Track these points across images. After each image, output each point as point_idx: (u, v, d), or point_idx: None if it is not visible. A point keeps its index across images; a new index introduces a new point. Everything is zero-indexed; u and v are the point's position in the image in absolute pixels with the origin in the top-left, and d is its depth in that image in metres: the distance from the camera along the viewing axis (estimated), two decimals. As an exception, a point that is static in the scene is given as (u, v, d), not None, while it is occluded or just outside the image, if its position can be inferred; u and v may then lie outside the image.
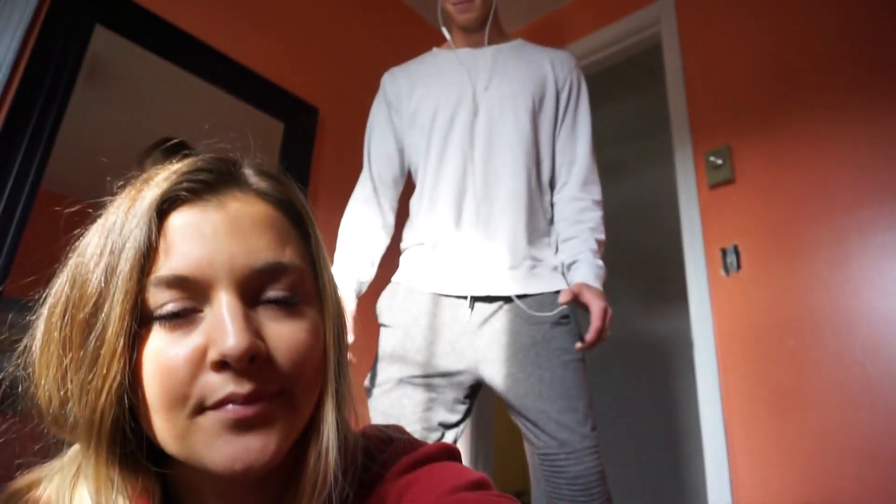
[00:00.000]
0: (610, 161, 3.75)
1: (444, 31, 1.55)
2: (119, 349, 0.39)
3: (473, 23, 1.47)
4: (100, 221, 0.45)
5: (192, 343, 0.40)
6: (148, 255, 0.40)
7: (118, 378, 0.39)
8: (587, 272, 1.29)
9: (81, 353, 0.41)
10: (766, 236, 1.88)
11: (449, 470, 0.47)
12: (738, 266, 1.92)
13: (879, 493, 1.52)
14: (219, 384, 0.40)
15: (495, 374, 1.24)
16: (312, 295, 0.47)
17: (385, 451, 0.51)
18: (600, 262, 1.35)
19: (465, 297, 1.29)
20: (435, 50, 1.58)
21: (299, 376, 0.43)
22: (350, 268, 1.39)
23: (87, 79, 1.67)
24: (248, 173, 0.48)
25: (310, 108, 2.21)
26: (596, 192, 1.44)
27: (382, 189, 1.50)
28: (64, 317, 0.42)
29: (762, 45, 2.07)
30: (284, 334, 0.43)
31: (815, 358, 1.71)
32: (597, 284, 1.28)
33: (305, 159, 2.14)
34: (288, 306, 0.44)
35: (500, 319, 1.27)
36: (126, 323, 0.39)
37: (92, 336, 0.40)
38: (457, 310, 1.29)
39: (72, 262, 0.45)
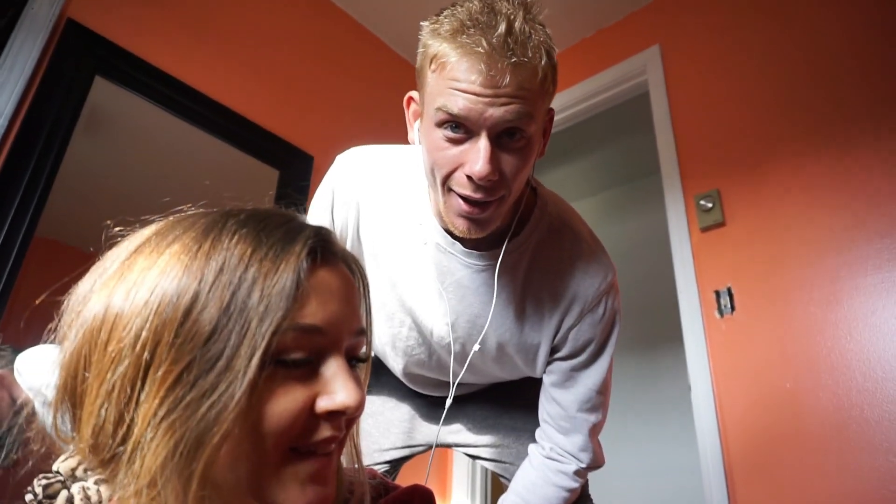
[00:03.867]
0: (602, 203, 3.79)
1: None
2: (245, 386, 0.40)
3: (481, 239, 0.96)
4: (195, 256, 0.43)
5: (308, 392, 0.44)
6: (291, 302, 0.42)
7: (235, 412, 0.40)
8: None
9: (185, 385, 0.40)
10: (759, 278, 1.89)
11: None
12: (733, 308, 1.92)
13: (885, 539, 1.49)
14: (322, 429, 0.44)
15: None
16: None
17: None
18: None
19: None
20: (420, 220, 1.02)
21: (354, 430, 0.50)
22: None
23: (86, 128, 1.70)
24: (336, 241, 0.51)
25: (305, 156, 2.24)
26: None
27: None
28: (156, 341, 0.41)
29: (748, 90, 2.12)
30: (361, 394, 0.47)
31: (812, 401, 1.69)
32: None
33: (300, 205, 2.16)
34: (357, 366, 0.50)
35: None
36: (258, 362, 0.40)
37: (206, 371, 0.40)
38: None
39: (161, 293, 0.42)
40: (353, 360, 0.49)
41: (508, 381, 1.12)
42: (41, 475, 0.49)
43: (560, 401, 1.06)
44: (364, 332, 0.50)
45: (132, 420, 0.41)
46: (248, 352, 0.40)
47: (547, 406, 1.09)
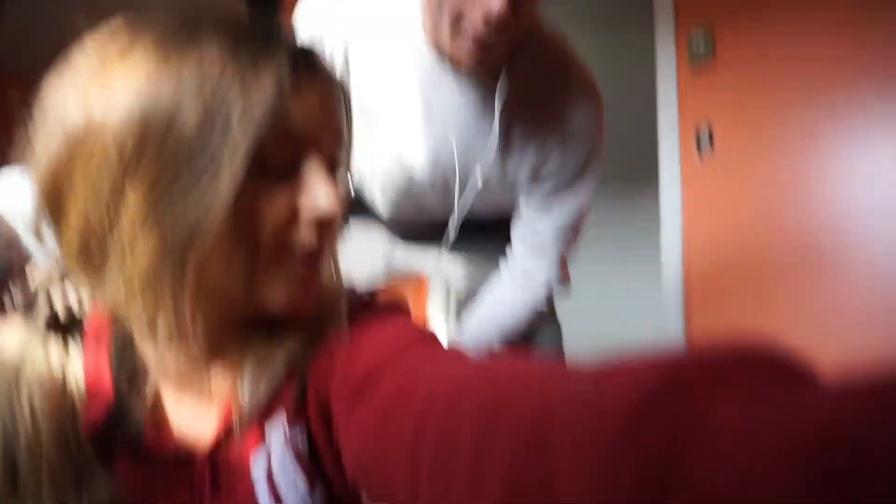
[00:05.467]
0: (590, 34, 3.61)
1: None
2: (229, 185, 0.40)
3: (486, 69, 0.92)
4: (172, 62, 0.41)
5: (290, 197, 0.44)
6: (273, 105, 0.42)
7: (220, 212, 0.40)
8: None
9: (169, 185, 0.40)
10: (742, 118, 1.88)
11: (397, 324, 0.51)
12: (712, 147, 1.93)
13: (816, 348, 1.65)
14: (306, 237, 0.45)
15: None
16: None
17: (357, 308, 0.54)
18: None
19: None
20: (419, 46, 0.97)
21: (335, 236, 0.50)
22: None
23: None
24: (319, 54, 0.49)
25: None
26: None
27: None
28: (140, 148, 0.40)
29: None
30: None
31: (776, 238, 1.77)
32: None
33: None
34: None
35: None
36: (241, 163, 0.40)
37: (189, 172, 0.40)
38: None
39: (144, 99, 0.41)
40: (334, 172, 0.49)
41: (484, 210, 1.14)
42: (21, 279, 0.49)
43: (535, 226, 1.09)
44: (346, 145, 0.50)
45: (118, 224, 0.41)
46: (231, 153, 0.40)
47: (521, 230, 1.12)
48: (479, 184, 1.04)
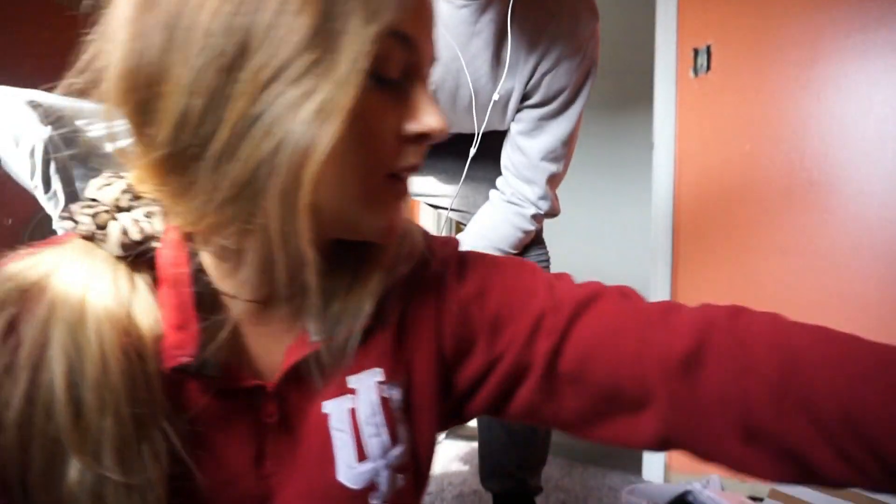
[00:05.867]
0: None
1: None
2: (350, 92, 0.37)
3: None
4: None
5: (398, 114, 0.43)
6: (396, 7, 0.39)
7: (341, 119, 0.37)
8: None
9: (284, 83, 0.36)
10: (741, 35, 1.82)
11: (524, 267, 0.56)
12: (709, 67, 1.88)
13: (801, 283, 1.68)
14: (411, 156, 0.44)
15: None
16: None
17: (443, 250, 0.56)
18: None
19: None
20: None
21: None
22: None
23: None
24: None
25: None
26: None
27: None
28: (247, 36, 0.36)
29: None
30: None
31: (766, 163, 1.76)
32: None
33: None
34: None
35: None
36: (363, 67, 0.37)
37: (307, 71, 0.36)
38: None
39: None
40: None
41: (470, 133, 1.12)
42: (79, 203, 0.44)
43: (525, 149, 1.08)
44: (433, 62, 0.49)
45: (219, 129, 0.37)
46: (352, 55, 0.37)
47: (511, 154, 1.11)
48: (497, 95, 1.01)
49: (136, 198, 0.45)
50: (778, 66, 1.75)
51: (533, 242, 1.20)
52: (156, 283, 0.44)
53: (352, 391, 0.49)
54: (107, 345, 0.39)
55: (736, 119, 1.82)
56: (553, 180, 1.11)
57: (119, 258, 0.43)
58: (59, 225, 0.44)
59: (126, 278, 0.43)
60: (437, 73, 1.00)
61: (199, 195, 0.39)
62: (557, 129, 1.06)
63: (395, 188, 0.45)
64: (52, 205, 1.71)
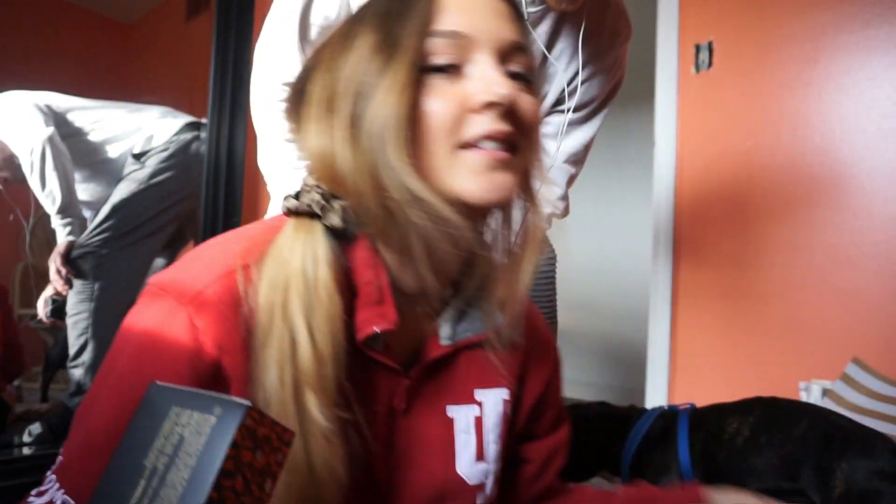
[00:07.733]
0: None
1: None
2: (398, 87, 0.46)
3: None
4: None
5: (461, 89, 0.48)
6: (427, 13, 0.48)
7: (403, 111, 0.45)
8: None
9: (360, 90, 0.47)
10: (743, 31, 1.82)
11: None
12: (710, 64, 1.88)
13: (803, 279, 1.68)
14: (484, 120, 0.47)
15: None
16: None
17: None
18: None
19: None
20: None
21: (535, 142, 0.53)
22: None
23: None
24: None
25: None
26: None
27: None
28: (369, 60, 0.48)
29: None
30: (526, 102, 0.50)
31: (767, 160, 1.76)
32: None
33: None
34: (526, 82, 0.51)
35: None
36: (408, 65, 0.46)
37: (375, 78, 0.47)
38: None
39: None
40: (519, 75, 0.51)
41: None
42: (303, 189, 0.51)
43: (549, 151, 1.11)
44: (523, 49, 0.51)
45: (362, 126, 0.47)
46: (399, 57, 0.46)
47: None
48: (553, 98, 1.04)
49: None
50: (780, 63, 1.74)
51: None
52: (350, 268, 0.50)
53: (479, 403, 0.57)
54: (317, 319, 0.44)
55: (737, 115, 1.82)
56: (570, 181, 1.14)
57: (330, 235, 0.49)
58: (283, 204, 0.51)
59: (335, 257, 0.48)
60: None
61: (347, 177, 0.48)
62: (582, 135, 1.10)
63: (475, 155, 0.48)
64: (48, 202, 1.72)
